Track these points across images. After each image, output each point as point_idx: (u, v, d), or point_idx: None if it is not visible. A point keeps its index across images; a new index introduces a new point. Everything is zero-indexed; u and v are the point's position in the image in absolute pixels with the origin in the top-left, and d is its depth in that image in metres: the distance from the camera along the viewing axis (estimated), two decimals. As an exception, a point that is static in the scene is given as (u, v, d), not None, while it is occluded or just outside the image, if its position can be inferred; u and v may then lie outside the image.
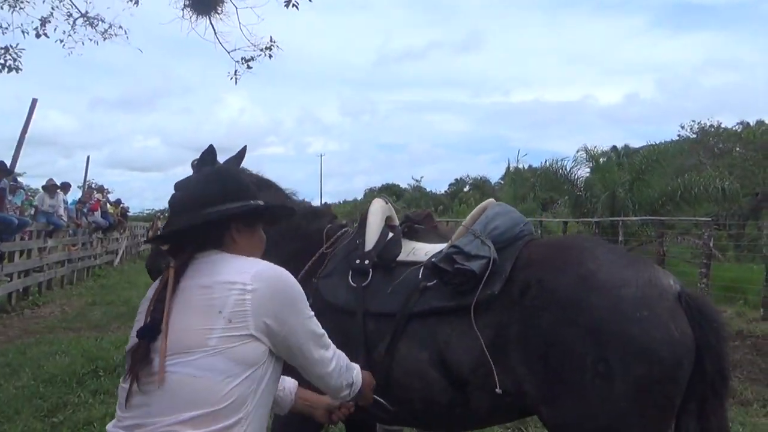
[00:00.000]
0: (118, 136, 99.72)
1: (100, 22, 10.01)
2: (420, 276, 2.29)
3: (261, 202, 1.75)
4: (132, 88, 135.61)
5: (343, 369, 1.77)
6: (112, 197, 21.40)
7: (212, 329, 1.47)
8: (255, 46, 9.51)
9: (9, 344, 7.49)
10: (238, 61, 9.75)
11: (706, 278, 10.17)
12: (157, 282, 1.63)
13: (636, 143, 28.28)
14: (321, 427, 2.37)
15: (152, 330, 1.51)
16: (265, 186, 2.83)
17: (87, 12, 9.95)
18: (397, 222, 2.68)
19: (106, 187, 20.53)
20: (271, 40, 9.58)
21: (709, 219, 11.17)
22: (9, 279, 10.12)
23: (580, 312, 1.98)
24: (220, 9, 8.98)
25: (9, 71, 9.32)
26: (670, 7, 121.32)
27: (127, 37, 10.22)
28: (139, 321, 1.57)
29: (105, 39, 10.04)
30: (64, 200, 13.64)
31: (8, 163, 9.96)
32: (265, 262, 1.64)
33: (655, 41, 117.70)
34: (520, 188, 25.07)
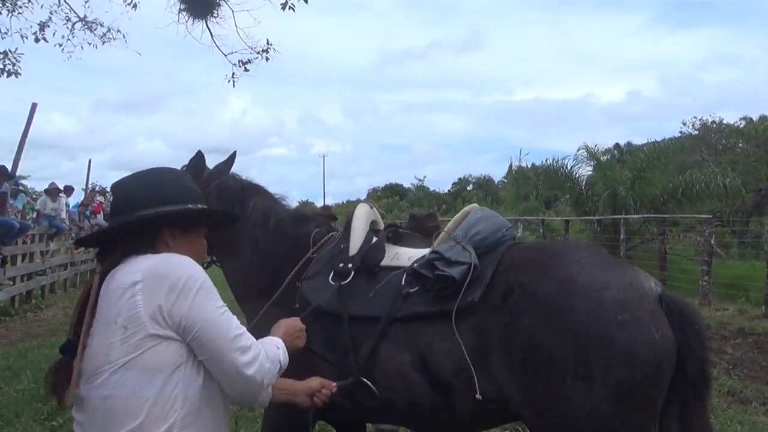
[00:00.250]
0: (121, 138, 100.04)
1: (98, 26, 10.06)
2: (403, 282, 2.30)
3: (200, 206, 1.63)
4: (134, 90, 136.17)
5: (267, 372, 1.57)
6: (114, 200, 21.44)
7: (111, 343, 1.39)
8: (252, 48, 9.54)
9: (11, 347, 7.56)
10: (235, 64, 9.79)
11: (707, 276, 10.14)
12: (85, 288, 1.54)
13: (639, 140, 28.29)
14: (310, 423, 2.39)
15: (74, 346, 1.45)
16: (253, 191, 2.85)
17: (85, 16, 10.01)
18: (381, 226, 2.70)
19: (108, 190, 20.63)
20: (267, 43, 9.60)
21: (710, 216, 11.12)
22: (12, 282, 10.20)
23: (561, 315, 1.99)
24: (216, 12, 9.01)
25: (8, 76, 9.38)
26: (670, 4, 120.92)
27: (126, 41, 10.28)
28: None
29: (104, 43, 10.09)
30: (66, 203, 13.71)
31: (9, 167, 10.02)
32: (166, 254, 1.49)
33: (656, 38, 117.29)
34: (522, 187, 25.04)
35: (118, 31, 10.20)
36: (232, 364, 1.47)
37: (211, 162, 2.91)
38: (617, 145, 27.25)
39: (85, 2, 10.00)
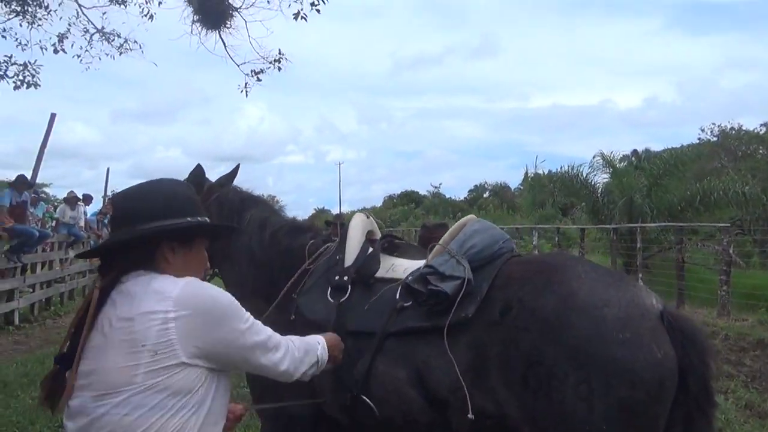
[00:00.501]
0: (140, 147, 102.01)
1: (116, 38, 10.27)
2: (397, 296, 2.28)
3: (199, 219, 1.64)
4: (151, 100, 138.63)
5: (298, 361, 1.75)
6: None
7: (137, 365, 1.42)
8: (264, 58, 9.66)
9: (29, 354, 7.67)
10: (247, 74, 9.91)
11: (726, 285, 9.92)
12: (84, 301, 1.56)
13: (657, 147, 27.90)
14: (309, 427, 2.39)
15: (70, 358, 1.48)
16: (252, 203, 2.87)
17: (103, 27, 10.24)
18: (378, 236, 2.68)
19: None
20: (279, 53, 9.71)
21: (728, 224, 10.90)
22: (31, 290, 10.38)
23: (562, 333, 1.95)
24: (229, 23, 9.14)
25: (28, 87, 9.60)
26: (685, 8, 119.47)
27: (143, 52, 10.47)
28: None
29: (121, 54, 10.31)
30: (84, 212, 13.93)
31: (29, 176, 10.23)
32: (188, 280, 1.54)
33: (672, 43, 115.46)
34: (539, 194, 24.80)
35: (135, 41, 10.47)
36: (265, 366, 1.66)
37: (222, 172, 2.97)
38: (635, 151, 26.90)
39: (103, 14, 10.28)
